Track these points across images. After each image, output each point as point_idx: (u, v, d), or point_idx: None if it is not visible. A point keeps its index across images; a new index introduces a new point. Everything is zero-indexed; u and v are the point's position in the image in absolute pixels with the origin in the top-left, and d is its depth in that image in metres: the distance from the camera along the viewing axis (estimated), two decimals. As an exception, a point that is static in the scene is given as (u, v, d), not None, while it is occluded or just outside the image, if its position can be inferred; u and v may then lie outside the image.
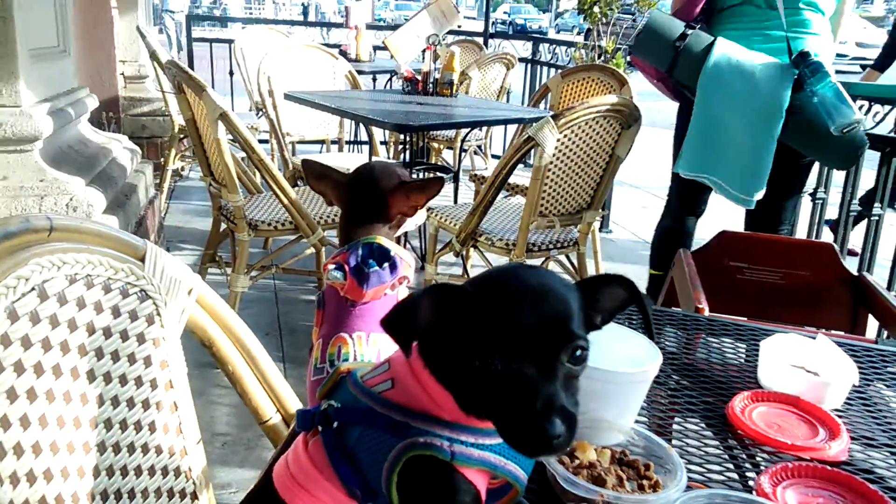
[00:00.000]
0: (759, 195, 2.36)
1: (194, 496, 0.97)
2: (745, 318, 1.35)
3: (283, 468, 0.63)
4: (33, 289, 0.77)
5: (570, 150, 2.50)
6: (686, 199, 2.74)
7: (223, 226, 2.83)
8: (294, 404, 1.11)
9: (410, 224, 1.32)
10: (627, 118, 2.54)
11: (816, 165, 2.96)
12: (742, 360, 1.13)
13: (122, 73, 4.62)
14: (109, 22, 4.23)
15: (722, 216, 3.09)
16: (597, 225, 3.49)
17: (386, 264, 1.21)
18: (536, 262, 2.94)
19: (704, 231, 2.56)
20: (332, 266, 1.23)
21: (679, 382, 1.04)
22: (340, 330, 1.20)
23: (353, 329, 1.19)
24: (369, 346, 1.17)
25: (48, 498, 0.74)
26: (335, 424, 0.60)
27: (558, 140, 2.41)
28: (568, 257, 2.92)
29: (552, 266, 3.02)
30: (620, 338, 0.90)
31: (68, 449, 0.77)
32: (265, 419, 1.08)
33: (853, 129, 2.18)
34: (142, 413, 0.90)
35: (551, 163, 2.46)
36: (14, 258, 0.76)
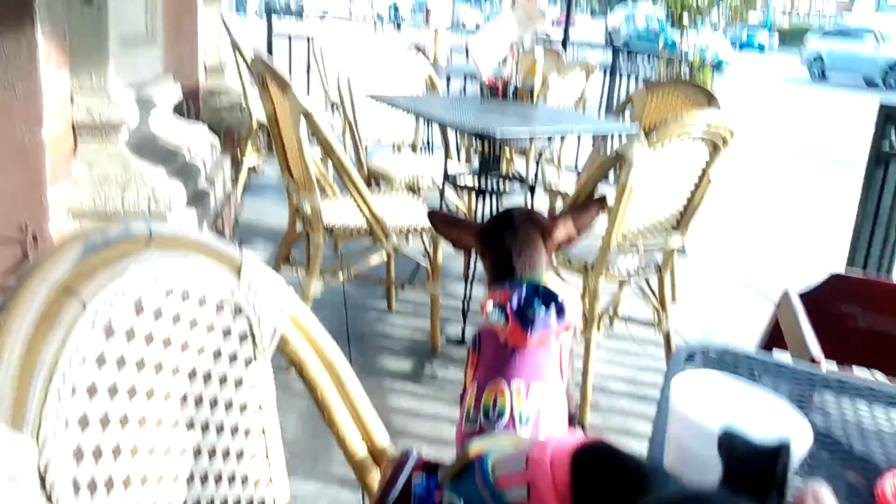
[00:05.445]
0: None
1: (276, 530, 0.91)
2: (882, 376, 1.22)
3: None
4: (129, 303, 0.72)
5: (660, 168, 2.38)
6: None
7: (299, 226, 2.79)
8: (384, 439, 1.03)
9: None
10: (722, 141, 2.40)
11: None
12: (881, 426, 1.01)
13: (204, 63, 4.65)
14: (194, 10, 4.25)
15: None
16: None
17: (552, 307, 1.09)
18: (613, 286, 2.81)
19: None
20: (491, 304, 1.13)
21: (814, 455, 0.92)
22: (498, 376, 1.09)
23: (513, 377, 1.08)
24: (528, 401, 1.06)
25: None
26: None
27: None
28: (647, 281, 2.78)
29: (630, 290, 2.89)
30: (763, 406, 0.79)
31: (157, 480, 0.72)
32: (353, 455, 1.01)
33: None
34: (230, 440, 0.84)
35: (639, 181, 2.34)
36: (112, 268, 0.71)
